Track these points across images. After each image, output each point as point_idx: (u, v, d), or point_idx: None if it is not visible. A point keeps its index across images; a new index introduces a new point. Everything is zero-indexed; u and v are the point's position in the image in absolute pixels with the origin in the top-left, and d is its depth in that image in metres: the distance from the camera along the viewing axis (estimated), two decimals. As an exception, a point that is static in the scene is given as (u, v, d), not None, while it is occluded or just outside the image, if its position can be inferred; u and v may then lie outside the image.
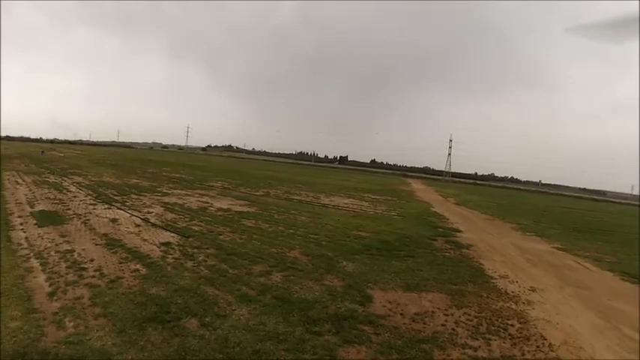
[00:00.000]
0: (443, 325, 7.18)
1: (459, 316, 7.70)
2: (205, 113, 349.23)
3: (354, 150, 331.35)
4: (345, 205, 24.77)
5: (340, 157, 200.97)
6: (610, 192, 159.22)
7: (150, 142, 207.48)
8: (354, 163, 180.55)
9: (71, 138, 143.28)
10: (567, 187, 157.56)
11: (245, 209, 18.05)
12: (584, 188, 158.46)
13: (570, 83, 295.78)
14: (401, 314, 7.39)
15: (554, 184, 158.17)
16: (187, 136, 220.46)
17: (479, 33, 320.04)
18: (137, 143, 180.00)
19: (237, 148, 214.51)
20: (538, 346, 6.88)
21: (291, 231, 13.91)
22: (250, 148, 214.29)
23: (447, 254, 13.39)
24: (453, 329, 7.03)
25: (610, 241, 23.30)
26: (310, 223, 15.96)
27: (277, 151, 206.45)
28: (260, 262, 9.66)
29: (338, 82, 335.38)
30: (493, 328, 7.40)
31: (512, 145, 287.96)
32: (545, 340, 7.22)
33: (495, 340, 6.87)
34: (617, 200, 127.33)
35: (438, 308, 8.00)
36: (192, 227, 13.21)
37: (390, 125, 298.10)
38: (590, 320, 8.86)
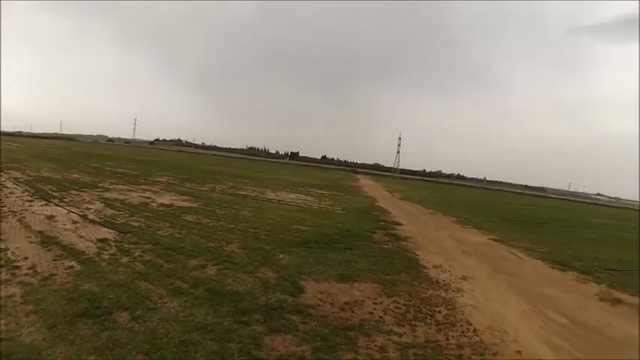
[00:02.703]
0: (371, 313, 7.40)
1: (388, 305, 7.96)
2: (154, 105, 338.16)
3: (306, 146, 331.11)
4: (290, 200, 24.90)
5: (291, 152, 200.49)
6: (549, 188, 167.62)
7: (95, 134, 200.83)
8: (305, 159, 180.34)
9: (10, 129, 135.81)
10: (510, 183, 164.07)
11: (187, 204, 17.80)
12: (526, 185, 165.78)
13: (517, 84, 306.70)
14: (331, 304, 7.56)
15: (498, 181, 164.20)
16: (135, 129, 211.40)
17: (432, 32, 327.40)
18: (81, 136, 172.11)
19: (186, 142, 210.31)
20: (463, 332, 7.21)
21: (231, 226, 13.85)
22: (200, 143, 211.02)
23: (384, 246, 13.77)
24: (380, 317, 7.26)
25: (544, 233, 24.77)
26: (252, 218, 15.95)
27: (228, 146, 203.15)
28: (196, 257, 9.60)
29: (293, 76, 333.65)
30: (420, 315, 7.69)
31: (459, 144, 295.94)
32: (471, 325, 7.57)
33: (421, 326, 7.15)
34: (556, 196, 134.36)
35: (368, 297, 8.23)
36: (132, 223, 12.94)
37: (342, 122, 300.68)
38: (518, 306, 9.37)
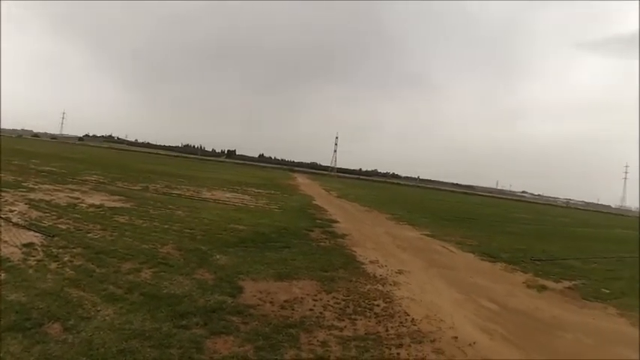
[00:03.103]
0: (311, 309, 7.45)
1: (328, 301, 8.05)
2: (85, 98, 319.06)
3: (243, 144, 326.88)
4: (227, 199, 24.53)
5: (228, 150, 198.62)
6: (478, 187, 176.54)
7: (19, 129, 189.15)
8: (242, 157, 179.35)
9: None
10: (442, 182, 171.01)
11: (119, 205, 17.06)
12: (457, 183, 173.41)
13: (451, 87, 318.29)
14: (270, 302, 7.52)
15: (431, 180, 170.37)
16: (62, 124, 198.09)
17: (374, 34, 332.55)
18: (4, 130, 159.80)
19: (118, 138, 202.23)
20: (401, 322, 7.48)
21: (166, 226, 13.44)
22: (133, 140, 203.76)
23: (322, 244, 13.90)
24: (320, 313, 7.33)
25: (473, 227, 26.25)
26: (187, 218, 15.56)
27: (162, 144, 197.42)
28: (130, 260, 9.22)
29: (232, 75, 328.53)
30: (359, 308, 7.85)
31: (395, 144, 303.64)
32: (409, 315, 7.88)
33: (361, 319, 7.30)
34: (484, 194, 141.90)
35: (308, 294, 8.27)
36: (59, 226, 12.24)
37: (280, 120, 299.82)
38: (452, 296, 9.89)
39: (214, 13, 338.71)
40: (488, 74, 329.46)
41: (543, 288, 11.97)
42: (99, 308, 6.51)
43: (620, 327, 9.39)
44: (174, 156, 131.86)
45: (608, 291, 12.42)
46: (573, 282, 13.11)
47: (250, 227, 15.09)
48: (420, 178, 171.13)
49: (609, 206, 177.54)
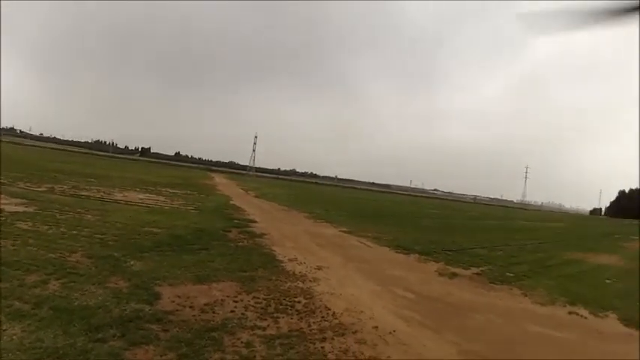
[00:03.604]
0: (232, 311, 7.36)
1: (249, 301, 8.00)
2: None
3: (158, 142, 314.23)
4: (140, 201, 23.49)
5: (142, 148, 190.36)
6: (394, 185, 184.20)
7: None
8: (157, 155, 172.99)
9: None
10: (359, 181, 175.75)
11: (21, 209, 15.56)
12: (373, 182, 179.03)
13: (370, 92, 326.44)
14: (190, 307, 7.31)
15: (349, 179, 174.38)
16: None
17: (297, 35, 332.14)
18: None
19: (21, 131, 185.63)
20: (323, 317, 7.67)
21: (74, 232, 12.52)
22: (38, 133, 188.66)
23: (240, 244, 13.79)
24: (242, 314, 7.26)
25: (389, 223, 27.68)
26: (97, 222, 14.64)
27: (71, 139, 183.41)
28: (35, 271, 8.50)
29: (149, 71, 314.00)
30: (281, 306, 7.90)
31: (313, 144, 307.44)
32: (330, 310, 8.09)
33: (283, 317, 7.36)
34: (399, 192, 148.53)
35: (228, 296, 8.15)
36: (-50, 236, 11.22)
37: (197, 119, 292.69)
38: (370, 287, 10.31)
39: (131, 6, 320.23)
40: (408, 82, 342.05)
41: (454, 275, 12.91)
42: (4, 327, 5.96)
43: (526, 306, 10.54)
44: (84, 153, 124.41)
45: (512, 275, 13.76)
46: (481, 268, 14.29)
47: (166, 230, 14.56)
48: (339, 177, 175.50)
49: (512, 201, 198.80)
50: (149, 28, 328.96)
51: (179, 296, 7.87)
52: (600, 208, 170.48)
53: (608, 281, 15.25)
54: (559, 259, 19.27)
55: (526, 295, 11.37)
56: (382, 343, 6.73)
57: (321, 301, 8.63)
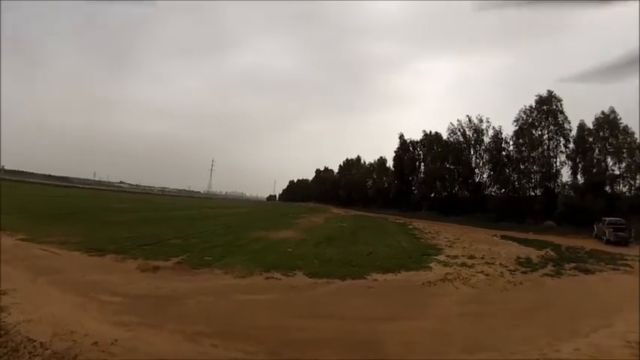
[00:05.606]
0: None
1: None
2: None
3: None
4: None
5: None
6: (74, 178, 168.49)
7: None
8: None
9: None
10: (30, 173, 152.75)
11: None
12: (50, 175, 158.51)
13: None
14: None
15: (19, 171, 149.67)
16: None
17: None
18: None
19: None
20: (30, 352, 6.41)
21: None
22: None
23: None
24: None
25: (75, 222, 24.81)
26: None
27: None
28: None
29: None
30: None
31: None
32: (35, 341, 6.76)
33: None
34: (82, 185, 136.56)
35: None
36: None
37: None
38: (71, 301, 9.37)
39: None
40: (102, 64, 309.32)
41: (157, 268, 13.15)
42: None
43: (229, 281, 12.05)
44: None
45: (210, 258, 15.06)
46: (181, 257, 14.93)
47: None
48: (6, 169, 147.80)
49: (199, 192, 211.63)
50: None
51: None
52: (275, 195, 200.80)
53: (289, 249, 19.05)
54: (247, 239, 21.90)
55: (227, 273, 12.82)
56: (109, 356, 6.42)
57: (20, 333, 7.05)
